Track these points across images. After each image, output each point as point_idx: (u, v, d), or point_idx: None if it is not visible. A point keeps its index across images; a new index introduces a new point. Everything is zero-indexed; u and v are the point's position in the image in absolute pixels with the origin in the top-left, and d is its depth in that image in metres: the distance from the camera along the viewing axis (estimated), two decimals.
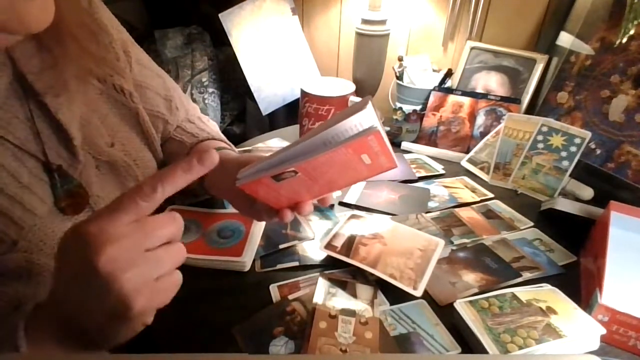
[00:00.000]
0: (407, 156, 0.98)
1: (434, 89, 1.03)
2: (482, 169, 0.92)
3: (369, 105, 0.40)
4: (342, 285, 0.59)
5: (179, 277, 0.34)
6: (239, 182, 0.43)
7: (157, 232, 0.32)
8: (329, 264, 0.63)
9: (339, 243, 0.64)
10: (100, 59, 0.53)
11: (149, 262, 0.31)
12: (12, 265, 0.42)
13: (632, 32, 0.83)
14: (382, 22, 1.03)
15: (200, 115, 0.77)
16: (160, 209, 0.74)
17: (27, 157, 0.45)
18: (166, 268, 0.32)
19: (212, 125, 0.76)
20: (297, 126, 1.03)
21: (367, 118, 0.40)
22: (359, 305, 0.55)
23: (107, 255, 0.29)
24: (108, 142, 0.54)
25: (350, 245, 0.64)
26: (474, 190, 0.85)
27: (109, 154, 0.54)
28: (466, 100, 1.01)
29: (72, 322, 0.33)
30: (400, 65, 1.09)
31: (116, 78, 0.56)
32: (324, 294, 0.57)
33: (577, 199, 0.81)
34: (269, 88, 1.09)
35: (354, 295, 0.57)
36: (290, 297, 0.57)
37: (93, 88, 0.53)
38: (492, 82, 1.06)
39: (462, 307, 0.53)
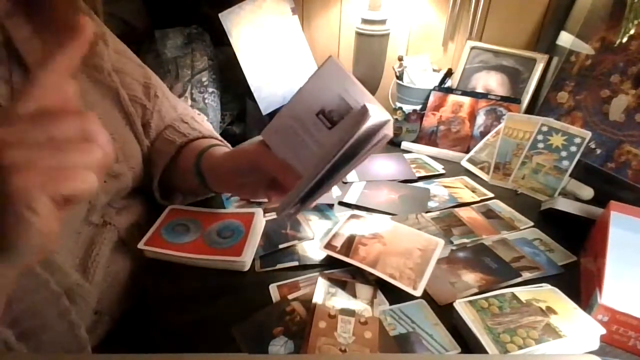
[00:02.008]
0: (407, 156, 0.98)
1: (434, 89, 1.03)
2: (482, 168, 0.92)
3: (370, 111, 0.42)
4: (342, 285, 0.59)
5: (90, 178, 0.29)
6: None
7: (54, 120, 0.29)
8: (329, 263, 0.63)
9: (338, 243, 0.64)
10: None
11: (42, 147, 0.28)
12: None
13: (632, 31, 0.83)
14: (382, 22, 1.03)
15: (195, 115, 0.77)
16: (160, 209, 0.74)
17: None
18: (68, 160, 0.28)
19: (206, 125, 0.76)
20: None
21: (375, 116, 0.42)
22: (359, 305, 0.55)
23: None
24: None
25: (350, 245, 0.64)
26: (474, 190, 0.85)
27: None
28: (466, 100, 1.01)
29: None
30: (400, 65, 1.09)
31: (96, 60, 0.59)
32: (323, 293, 0.57)
33: (577, 199, 0.81)
34: (269, 88, 1.09)
35: (354, 295, 0.57)
36: (290, 297, 0.57)
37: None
38: (492, 82, 1.06)
39: (461, 307, 0.53)
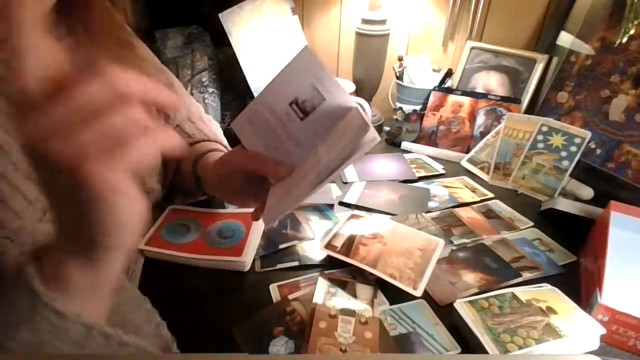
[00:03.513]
0: (407, 156, 0.98)
1: (434, 89, 1.03)
2: (482, 168, 0.92)
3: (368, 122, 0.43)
4: (342, 285, 0.59)
5: (144, 134, 0.28)
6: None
7: (74, 95, 0.27)
8: (329, 263, 0.63)
9: (338, 243, 0.64)
10: (121, 43, 0.55)
11: (84, 123, 0.27)
12: (44, 235, 0.41)
13: (632, 32, 0.83)
14: (382, 22, 1.03)
15: (203, 115, 0.77)
16: (160, 209, 0.74)
17: None
18: (114, 123, 0.27)
19: (213, 126, 0.76)
20: None
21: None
22: (359, 305, 0.55)
23: (31, 125, 0.26)
24: None
25: (350, 245, 0.64)
26: (474, 190, 0.85)
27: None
28: (466, 100, 1.01)
29: (65, 227, 0.30)
30: (400, 65, 1.09)
31: (129, 68, 0.58)
32: (323, 293, 0.57)
33: (577, 199, 0.81)
34: None
35: (354, 295, 0.57)
36: (290, 297, 0.57)
37: None
38: (492, 82, 1.06)
39: (462, 307, 0.53)
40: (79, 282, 0.31)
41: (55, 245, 0.31)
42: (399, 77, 1.09)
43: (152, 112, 0.63)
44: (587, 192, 0.83)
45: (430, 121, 1.03)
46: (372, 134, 0.42)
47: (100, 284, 0.32)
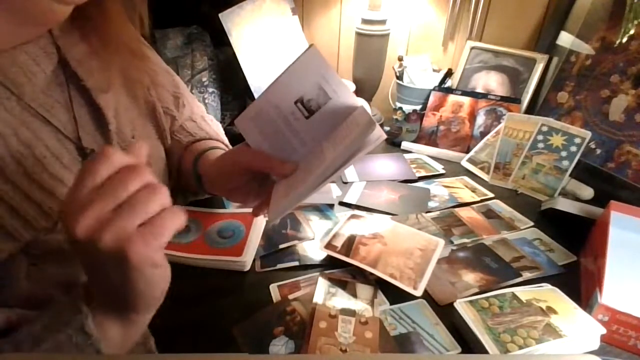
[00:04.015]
0: (407, 156, 0.98)
1: (434, 89, 1.03)
2: (482, 168, 0.92)
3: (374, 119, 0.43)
4: (342, 285, 0.59)
5: (168, 214, 0.33)
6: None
7: (123, 184, 0.32)
8: (329, 263, 0.63)
9: (339, 243, 0.64)
10: (135, 54, 0.56)
11: (124, 213, 0.31)
12: (55, 245, 0.43)
13: (632, 32, 0.83)
14: (382, 22, 1.03)
15: (204, 115, 0.77)
16: None
17: (66, 140, 0.47)
18: (147, 210, 0.32)
19: (214, 125, 0.76)
20: None
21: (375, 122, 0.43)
22: (359, 305, 0.55)
23: (81, 223, 0.30)
24: (129, 134, 0.56)
25: (350, 245, 0.64)
26: (474, 190, 0.85)
27: (132, 144, 0.55)
28: (466, 100, 1.01)
29: (104, 294, 0.35)
30: (400, 65, 1.09)
31: (137, 74, 0.58)
32: (324, 293, 0.57)
33: (577, 199, 0.81)
34: None
35: (354, 295, 0.57)
36: (290, 297, 0.57)
37: (121, 80, 0.55)
38: (492, 82, 1.06)
39: (462, 306, 0.53)
40: (114, 338, 0.36)
41: (97, 308, 0.35)
42: (399, 77, 1.09)
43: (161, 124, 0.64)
44: (587, 192, 0.83)
45: (430, 121, 1.03)
46: (378, 132, 0.42)
47: (131, 339, 0.37)
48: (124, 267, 0.31)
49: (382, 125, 1.11)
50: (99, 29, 0.50)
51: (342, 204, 0.78)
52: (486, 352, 0.47)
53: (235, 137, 0.65)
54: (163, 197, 0.33)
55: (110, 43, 0.51)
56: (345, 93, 0.49)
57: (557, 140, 0.83)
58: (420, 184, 0.86)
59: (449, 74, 1.07)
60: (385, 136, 0.45)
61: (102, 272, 0.33)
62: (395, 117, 1.04)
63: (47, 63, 0.46)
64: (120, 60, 0.53)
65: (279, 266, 0.62)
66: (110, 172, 0.32)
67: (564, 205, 0.73)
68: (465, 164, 0.95)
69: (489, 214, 0.77)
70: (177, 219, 0.33)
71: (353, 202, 0.78)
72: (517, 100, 0.98)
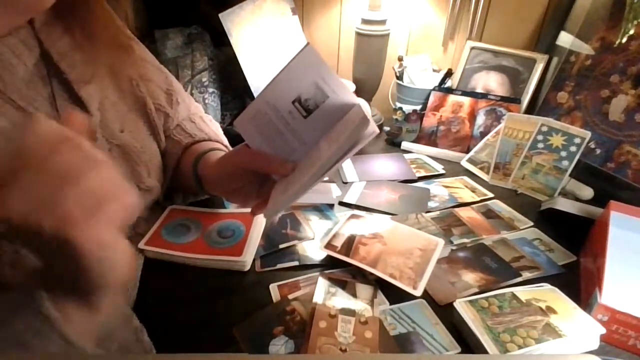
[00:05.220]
0: (407, 156, 0.98)
1: (434, 89, 1.03)
2: (482, 168, 0.92)
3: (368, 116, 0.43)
4: (342, 284, 0.59)
5: (112, 189, 0.30)
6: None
7: (52, 157, 0.29)
8: (329, 263, 0.63)
9: (338, 243, 0.64)
10: (121, 47, 0.56)
11: (57, 189, 0.28)
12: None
13: (632, 32, 0.83)
14: (382, 22, 1.03)
15: (203, 115, 0.77)
16: (160, 209, 0.74)
17: None
18: (86, 185, 0.29)
19: (213, 126, 0.76)
20: None
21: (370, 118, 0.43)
22: (359, 304, 0.55)
23: (11, 205, 0.28)
24: (118, 128, 0.55)
25: (350, 245, 0.64)
26: (474, 190, 0.85)
27: (120, 138, 0.56)
28: (466, 100, 1.01)
29: (57, 278, 0.32)
30: (400, 65, 1.09)
31: (124, 68, 0.58)
32: (323, 293, 0.57)
33: (577, 199, 0.81)
34: None
35: (354, 294, 0.57)
36: (290, 296, 0.57)
37: (108, 75, 0.55)
38: (492, 82, 1.06)
39: (461, 306, 0.53)
40: (80, 323, 0.33)
41: (52, 293, 0.32)
42: (399, 77, 1.09)
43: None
44: (587, 192, 0.83)
45: (430, 121, 1.03)
46: (372, 128, 0.43)
47: (93, 319, 0.34)
48: (65, 249, 0.28)
49: (382, 125, 1.11)
50: (84, 22, 0.49)
51: (342, 204, 0.78)
52: (486, 352, 0.47)
53: (235, 138, 0.65)
54: (105, 170, 0.30)
55: (96, 36, 0.50)
56: (343, 91, 0.49)
57: (557, 140, 0.83)
58: (420, 184, 0.87)
59: (449, 74, 1.07)
60: (377, 131, 0.45)
61: (45, 256, 0.31)
62: (395, 117, 1.04)
63: (27, 55, 0.45)
64: (106, 53, 0.53)
65: (279, 266, 0.63)
66: (38, 143, 0.29)
67: (564, 205, 0.73)
68: (465, 164, 0.95)
69: (489, 214, 0.77)
70: (124, 195, 0.30)
71: (353, 202, 0.78)
72: (517, 100, 0.98)
